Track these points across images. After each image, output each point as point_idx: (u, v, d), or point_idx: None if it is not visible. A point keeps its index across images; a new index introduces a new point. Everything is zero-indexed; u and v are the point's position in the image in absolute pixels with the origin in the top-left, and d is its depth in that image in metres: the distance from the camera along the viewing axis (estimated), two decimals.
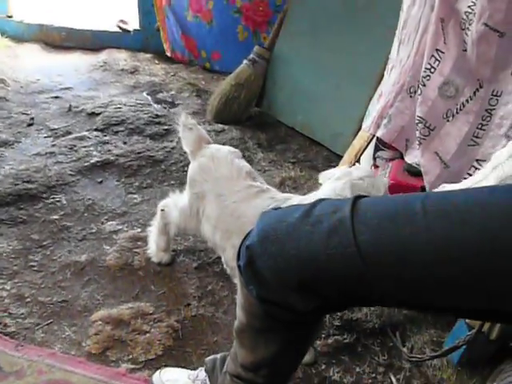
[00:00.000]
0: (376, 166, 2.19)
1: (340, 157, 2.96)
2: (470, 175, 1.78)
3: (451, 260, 0.81)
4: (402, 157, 2.08)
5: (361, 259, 0.85)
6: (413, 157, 1.97)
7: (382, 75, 2.58)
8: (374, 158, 2.24)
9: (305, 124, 3.18)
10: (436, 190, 0.97)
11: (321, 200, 0.97)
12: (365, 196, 0.96)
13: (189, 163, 1.85)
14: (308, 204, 0.96)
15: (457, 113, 1.80)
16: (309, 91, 3.12)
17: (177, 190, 1.96)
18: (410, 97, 1.97)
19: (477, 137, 1.76)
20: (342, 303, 0.98)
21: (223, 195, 1.60)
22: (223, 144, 2.93)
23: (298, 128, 3.22)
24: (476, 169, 1.75)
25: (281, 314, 0.98)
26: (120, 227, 2.21)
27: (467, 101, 1.77)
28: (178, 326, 1.74)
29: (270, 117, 3.38)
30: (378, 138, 2.13)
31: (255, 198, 1.55)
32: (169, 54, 4.19)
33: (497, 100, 1.69)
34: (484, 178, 1.00)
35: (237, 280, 1.07)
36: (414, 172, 1.93)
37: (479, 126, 1.75)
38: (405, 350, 1.71)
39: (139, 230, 2.19)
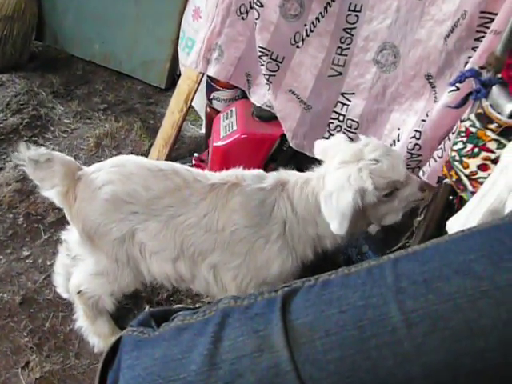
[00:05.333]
0: (215, 111, 1.75)
1: (157, 88, 2.47)
2: (338, 114, 1.45)
3: None
4: (244, 95, 1.67)
5: None
6: (260, 97, 1.57)
7: None
8: (210, 100, 1.79)
9: (106, 54, 2.56)
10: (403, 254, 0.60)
11: (223, 319, 0.59)
12: (290, 293, 0.58)
13: None
14: (206, 334, 0.58)
15: (307, 35, 1.42)
16: (101, 11, 2.47)
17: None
18: (242, 19, 1.53)
19: (338, 64, 1.42)
20: None
21: (180, 214, 1.18)
22: (7, 105, 2.24)
23: (98, 60, 2.59)
24: (344, 105, 1.42)
25: None
26: None
27: (317, 19, 1.40)
28: None
29: (59, 51, 2.67)
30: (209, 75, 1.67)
31: (234, 197, 1.17)
32: None
33: (356, 17, 1.34)
34: (493, 184, 0.76)
35: None
36: (267, 117, 1.54)
37: (339, 51, 1.40)
38: None
39: None
